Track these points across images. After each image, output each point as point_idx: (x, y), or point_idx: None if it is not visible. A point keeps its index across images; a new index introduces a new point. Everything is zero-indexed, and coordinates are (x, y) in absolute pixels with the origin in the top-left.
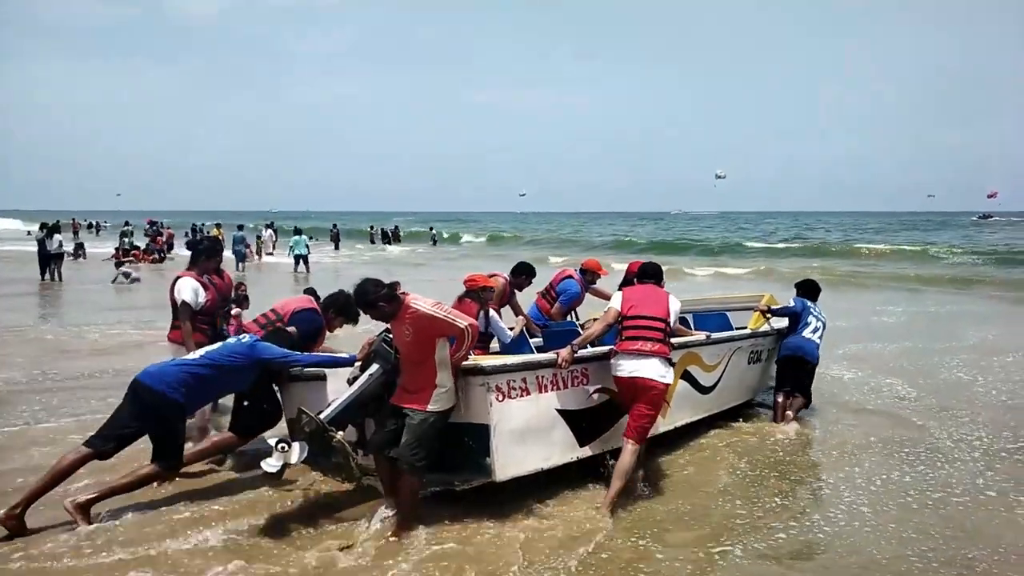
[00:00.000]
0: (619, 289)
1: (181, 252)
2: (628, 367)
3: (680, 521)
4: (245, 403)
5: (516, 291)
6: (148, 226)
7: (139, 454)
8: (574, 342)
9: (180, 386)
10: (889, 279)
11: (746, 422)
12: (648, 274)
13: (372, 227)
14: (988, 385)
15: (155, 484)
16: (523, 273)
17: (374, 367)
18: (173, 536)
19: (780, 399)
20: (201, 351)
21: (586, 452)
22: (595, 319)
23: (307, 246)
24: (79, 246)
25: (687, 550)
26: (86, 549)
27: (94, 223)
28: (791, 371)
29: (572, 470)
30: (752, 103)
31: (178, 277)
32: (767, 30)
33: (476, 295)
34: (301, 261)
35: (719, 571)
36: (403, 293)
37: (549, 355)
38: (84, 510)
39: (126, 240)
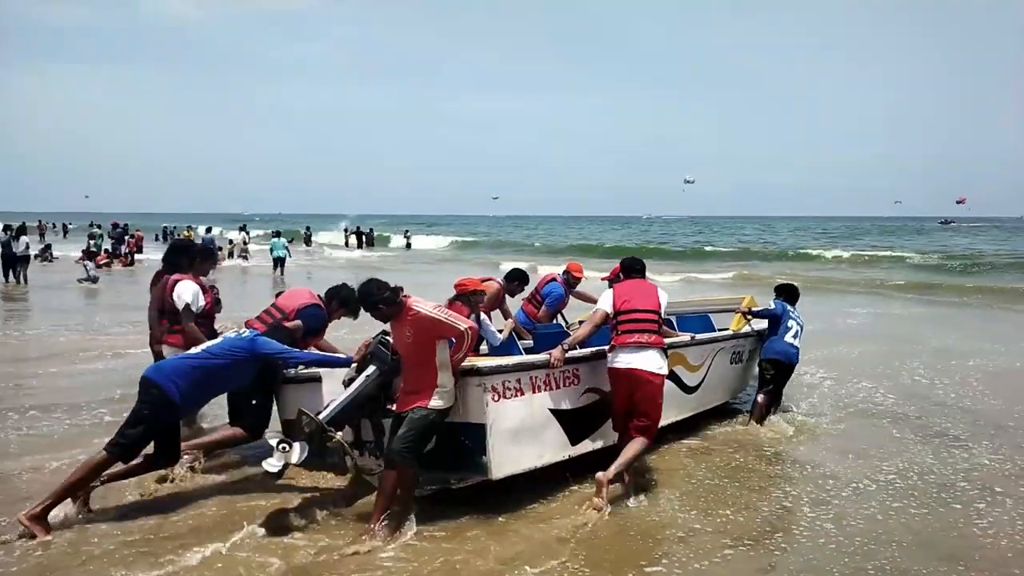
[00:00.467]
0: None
1: (150, 256)
2: (625, 359)
3: (623, 536)
4: (254, 401)
5: (508, 296)
6: (111, 228)
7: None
8: (565, 342)
9: (181, 380)
10: (849, 283)
11: (711, 426)
12: (634, 269)
13: (347, 229)
14: (958, 390)
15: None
16: (516, 279)
17: (371, 368)
18: (177, 537)
19: (761, 399)
20: (203, 345)
21: (577, 451)
22: (582, 321)
23: (286, 248)
24: (46, 247)
25: (621, 568)
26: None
27: (56, 224)
28: (773, 374)
29: (559, 470)
30: (725, 111)
31: (177, 280)
32: (744, 41)
33: (467, 298)
34: (279, 263)
35: None
36: (405, 296)
37: (542, 356)
38: (39, 520)
39: (93, 242)
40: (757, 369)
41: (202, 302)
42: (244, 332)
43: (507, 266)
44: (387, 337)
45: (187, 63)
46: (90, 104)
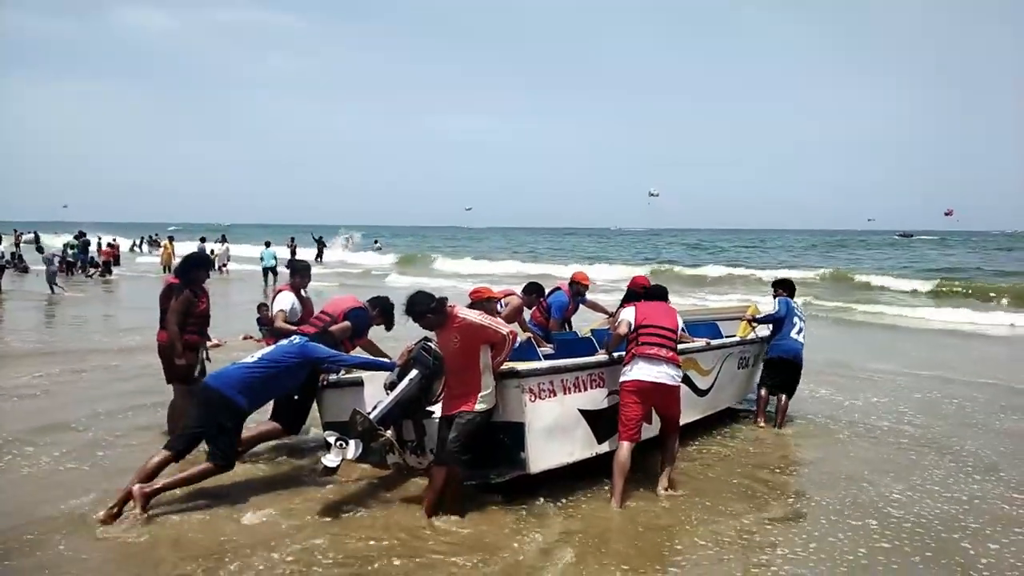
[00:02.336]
0: (622, 303)
1: (121, 272)
2: (649, 373)
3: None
4: (296, 398)
5: (527, 308)
6: (75, 236)
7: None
8: (608, 347)
9: (244, 389)
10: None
11: (723, 430)
12: (657, 295)
13: (348, 237)
14: (962, 407)
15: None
16: (533, 292)
17: (413, 372)
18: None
19: (763, 393)
20: (258, 353)
21: (603, 448)
22: (593, 330)
23: (275, 258)
24: (17, 256)
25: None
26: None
27: (28, 233)
28: (779, 371)
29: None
30: (687, 128)
31: (279, 291)
32: (698, 63)
33: (482, 306)
34: (270, 273)
35: None
36: (450, 306)
37: (572, 360)
38: (147, 498)
39: (70, 252)
40: (763, 371)
41: (299, 310)
42: (295, 339)
43: (401, 278)
44: (428, 343)
45: (140, 78)
46: (67, 115)
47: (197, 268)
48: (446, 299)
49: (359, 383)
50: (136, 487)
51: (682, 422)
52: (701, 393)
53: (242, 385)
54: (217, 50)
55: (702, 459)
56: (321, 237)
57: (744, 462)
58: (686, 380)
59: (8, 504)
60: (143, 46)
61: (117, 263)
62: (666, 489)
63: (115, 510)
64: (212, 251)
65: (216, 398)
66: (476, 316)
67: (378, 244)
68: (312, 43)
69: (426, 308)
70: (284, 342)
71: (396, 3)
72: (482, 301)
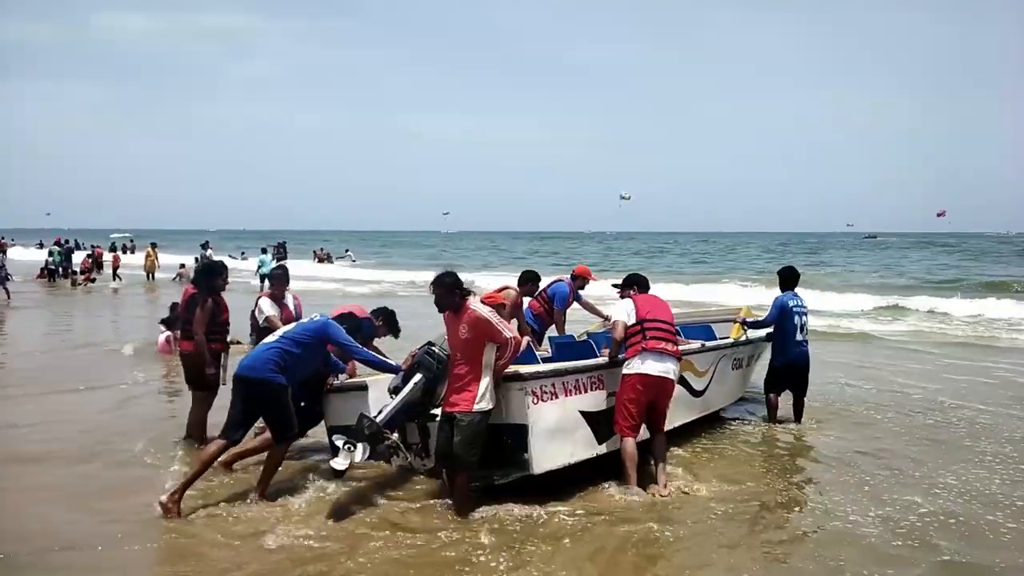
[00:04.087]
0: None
1: (105, 279)
2: (658, 367)
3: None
4: (302, 404)
5: (525, 299)
6: (57, 245)
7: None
8: (609, 352)
9: (274, 367)
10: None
11: (739, 429)
12: (644, 285)
13: (320, 250)
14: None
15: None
16: (529, 280)
17: (417, 376)
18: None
19: (772, 398)
20: (279, 332)
21: (603, 449)
22: (588, 332)
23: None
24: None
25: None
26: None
27: (14, 240)
28: (788, 377)
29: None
30: (664, 131)
31: (259, 298)
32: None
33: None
34: (267, 280)
35: None
36: (466, 298)
37: (573, 363)
38: (176, 502)
39: (51, 259)
40: (769, 377)
41: (280, 312)
42: (316, 316)
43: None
44: (432, 348)
45: (119, 81)
46: (44, 120)
47: (216, 276)
48: (468, 290)
49: (363, 387)
50: (163, 497)
51: (679, 423)
52: (697, 394)
53: (272, 364)
54: (197, 54)
55: (736, 450)
56: (284, 242)
57: (777, 451)
58: (682, 381)
59: (37, 510)
60: (119, 48)
61: (100, 270)
62: (664, 487)
63: (176, 496)
64: (196, 259)
65: (251, 385)
66: (488, 312)
67: (348, 253)
68: (290, 45)
69: (443, 281)
70: (305, 319)
71: (392, 4)
72: (496, 307)
